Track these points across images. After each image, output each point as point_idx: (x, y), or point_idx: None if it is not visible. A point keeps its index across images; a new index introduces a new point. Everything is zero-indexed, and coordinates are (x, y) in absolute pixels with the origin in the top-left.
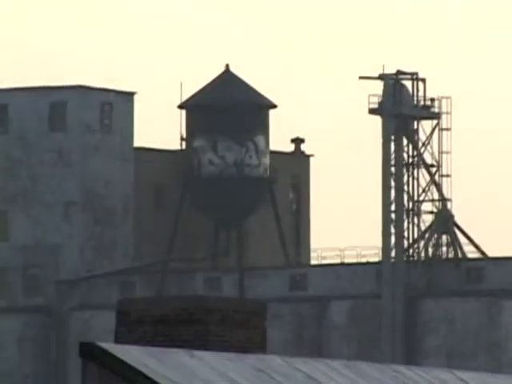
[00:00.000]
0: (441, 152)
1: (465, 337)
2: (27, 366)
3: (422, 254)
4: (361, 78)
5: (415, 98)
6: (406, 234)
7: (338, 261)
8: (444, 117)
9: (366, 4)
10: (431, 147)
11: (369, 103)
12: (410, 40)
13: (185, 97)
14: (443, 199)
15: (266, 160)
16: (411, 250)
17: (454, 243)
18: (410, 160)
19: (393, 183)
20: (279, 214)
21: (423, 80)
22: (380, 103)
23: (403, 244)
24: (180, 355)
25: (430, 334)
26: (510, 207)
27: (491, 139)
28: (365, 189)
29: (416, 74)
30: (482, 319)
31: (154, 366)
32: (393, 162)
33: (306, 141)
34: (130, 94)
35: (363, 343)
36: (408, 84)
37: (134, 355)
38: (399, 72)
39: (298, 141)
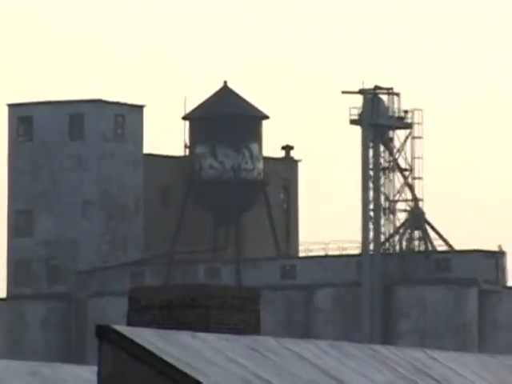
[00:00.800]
0: (413, 157)
1: (434, 320)
2: (50, 346)
3: (397, 247)
4: (343, 92)
5: (391, 110)
6: (382, 229)
7: (323, 253)
8: (416, 127)
9: (345, 28)
10: (405, 153)
11: (350, 115)
12: (386, 58)
13: (188, 109)
14: (415, 199)
15: (260, 165)
16: (387, 244)
17: (425, 238)
18: (386, 164)
19: (371, 185)
20: (271, 212)
21: (398, 94)
22: (360, 115)
23: (380, 238)
24: (184, 336)
25: (403, 318)
26: (475, 206)
27: (458, 146)
28: (346, 190)
29: (391, 88)
30: (449, 305)
31: (161, 346)
32: (371, 166)
33: (295, 148)
34: (140, 107)
35: (345, 326)
36: (384, 98)
37: (143, 336)
38: (377, 87)
39: (287, 148)
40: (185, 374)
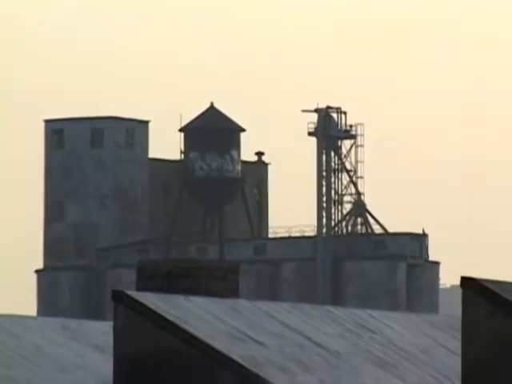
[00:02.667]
0: (356, 161)
1: (373, 287)
2: (76, 307)
3: (344, 231)
4: (303, 111)
5: (339, 125)
6: (333, 216)
7: (287, 235)
8: (359, 137)
9: (303, 62)
10: (350, 158)
11: (308, 128)
12: (336, 86)
13: (183, 124)
14: (358, 193)
15: (238, 167)
16: (336, 228)
17: (366, 223)
18: (336, 167)
19: (324, 182)
20: (247, 203)
21: (344, 112)
22: (315, 128)
23: (331, 224)
24: (180, 299)
25: (349, 285)
26: (405, 198)
27: (391, 152)
28: (305, 186)
29: (340, 108)
30: (384, 275)
31: (162, 306)
32: (324, 168)
33: (265, 153)
34: (146, 122)
35: (304, 291)
36: (334, 115)
37: (148, 299)
38: (328, 107)
39: (259, 154)
40: (180, 329)
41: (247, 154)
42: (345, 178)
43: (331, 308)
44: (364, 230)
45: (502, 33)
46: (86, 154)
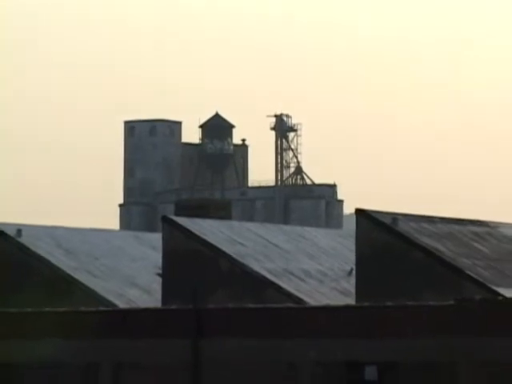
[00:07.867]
0: (298, 144)
1: (307, 215)
2: (142, 226)
3: (291, 183)
4: (267, 116)
5: (288, 123)
6: (284, 175)
7: (258, 185)
8: (299, 131)
9: (268, 81)
10: (294, 142)
11: (270, 125)
12: (287, 101)
13: (201, 123)
14: (298, 162)
15: (231, 147)
16: (286, 181)
17: (302, 179)
18: (285, 147)
19: (279, 156)
20: (236, 167)
21: (290, 116)
22: (274, 125)
23: (283, 178)
24: (199, 221)
25: (294, 213)
26: (324, 165)
27: (317, 138)
28: (269, 158)
29: (288, 114)
30: (313, 208)
31: (189, 225)
32: (279, 148)
33: (246, 139)
34: (180, 122)
35: (268, 217)
36: (285, 118)
37: (182, 221)
38: (282, 114)
39: (243, 140)
40: (199, 237)
41: (236, 140)
42: (291, 153)
43: (284, 226)
44: (301, 183)
45: None
46: (146, 140)
